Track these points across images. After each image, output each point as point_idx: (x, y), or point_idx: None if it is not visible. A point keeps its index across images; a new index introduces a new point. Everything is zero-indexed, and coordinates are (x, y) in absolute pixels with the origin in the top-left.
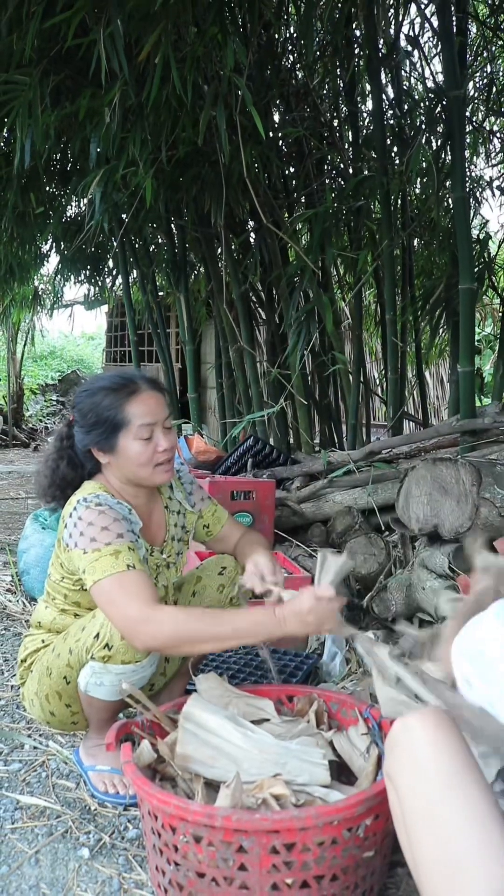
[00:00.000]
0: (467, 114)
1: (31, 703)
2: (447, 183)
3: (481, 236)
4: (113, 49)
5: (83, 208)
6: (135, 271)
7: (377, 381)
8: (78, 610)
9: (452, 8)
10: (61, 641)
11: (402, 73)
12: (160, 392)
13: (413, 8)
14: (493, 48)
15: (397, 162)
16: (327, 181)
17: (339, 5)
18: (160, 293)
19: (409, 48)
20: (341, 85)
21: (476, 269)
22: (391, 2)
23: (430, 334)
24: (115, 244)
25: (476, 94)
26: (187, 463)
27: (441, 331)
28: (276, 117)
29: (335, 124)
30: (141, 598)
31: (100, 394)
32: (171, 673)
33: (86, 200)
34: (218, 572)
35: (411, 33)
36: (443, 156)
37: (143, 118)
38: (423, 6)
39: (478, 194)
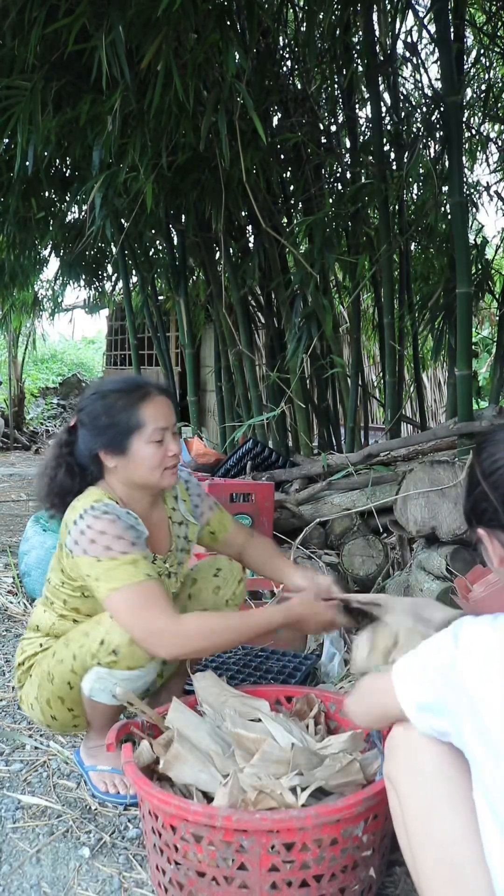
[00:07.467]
0: (464, 119)
1: (31, 707)
2: (445, 188)
3: (478, 241)
4: (114, 55)
5: (83, 215)
6: (135, 276)
7: (375, 385)
8: (77, 616)
9: (450, 15)
10: (63, 647)
11: (400, 79)
12: (170, 397)
13: (411, 15)
14: (491, 54)
15: (395, 167)
16: (326, 186)
17: (338, 13)
18: (160, 297)
19: (407, 54)
20: (339, 91)
21: (473, 274)
22: (389, 9)
23: (434, 339)
24: (114, 249)
25: (473, 100)
26: (187, 466)
27: (443, 336)
28: (275, 123)
29: (333, 130)
30: (165, 608)
31: (112, 396)
32: (169, 674)
33: (87, 206)
34: (213, 574)
35: (409, 40)
36: (440, 161)
37: (145, 124)
38: (420, 13)
39: (475, 199)
